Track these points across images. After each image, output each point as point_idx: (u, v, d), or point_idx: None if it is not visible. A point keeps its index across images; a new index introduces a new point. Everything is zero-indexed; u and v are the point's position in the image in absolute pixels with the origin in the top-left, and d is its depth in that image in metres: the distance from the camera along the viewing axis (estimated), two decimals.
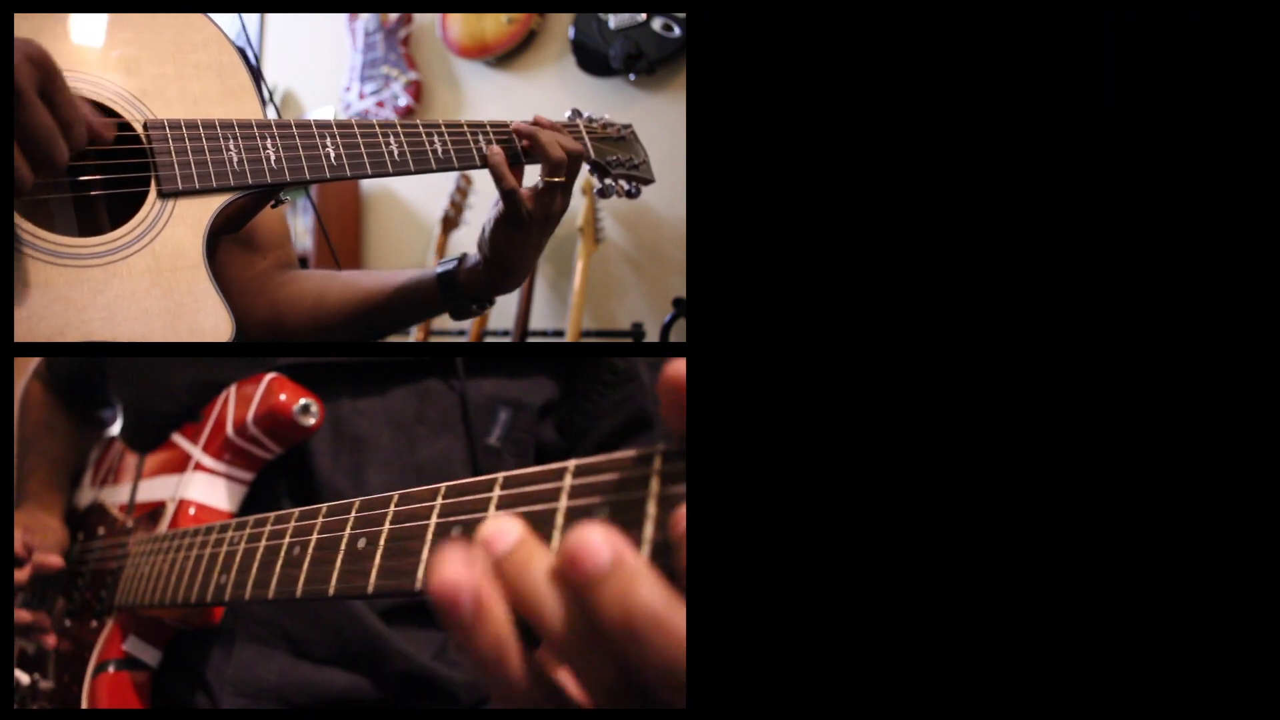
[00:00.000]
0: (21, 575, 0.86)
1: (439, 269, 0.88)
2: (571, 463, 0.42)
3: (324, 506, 0.58)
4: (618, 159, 0.95)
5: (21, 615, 0.87)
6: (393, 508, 0.52)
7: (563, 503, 0.41)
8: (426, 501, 0.50)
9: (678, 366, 0.37)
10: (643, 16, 2.15)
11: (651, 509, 0.37)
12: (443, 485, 0.49)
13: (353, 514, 0.55)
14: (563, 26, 2.33)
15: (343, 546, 0.54)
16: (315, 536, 0.57)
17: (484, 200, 2.32)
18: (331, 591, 0.54)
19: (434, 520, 0.48)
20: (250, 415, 0.79)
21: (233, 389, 0.83)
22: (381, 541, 0.52)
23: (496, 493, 0.45)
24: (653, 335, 2.11)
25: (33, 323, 0.63)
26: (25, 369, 1.11)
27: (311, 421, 0.79)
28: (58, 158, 0.60)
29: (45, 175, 0.61)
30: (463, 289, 0.87)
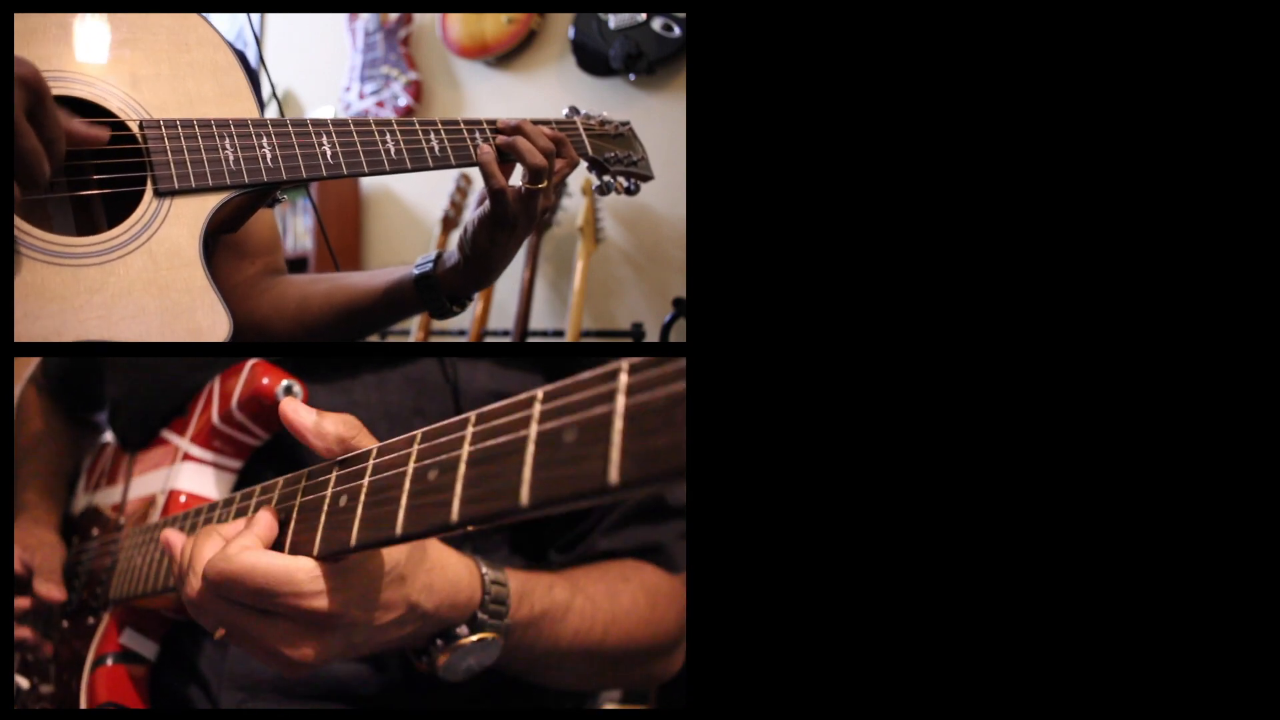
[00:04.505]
0: (23, 603, 0.86)
1: (415, 270, 0.88)
2: (539, 390, 0.43)
3: (305, 471, 0.59)
4: (615, 155, 0.95)
5: (21, 632, 0.87)
6: (371, 461, 0.53)
7: (533, 430, 0.42)
8: (403, 450, 0.51)
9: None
10: (643, 16, 2.15)
11: (619, 424, 0.37)
12: (418, 432, 0.50)
13: (334, 473, 0.56)
14: (563, 26, 2.33)
15: (325, 507, 0.55)
16: (299, 501, 0.58)
17: None
18: (316, 553, 0.54)
19: (411, 466, 0.49)
20: (234, 400, 0.79)
21: (216, 380, 0.83)
22: (362, 496, 0.52)
23: (470, 430, 0.46)
24: (653, 335, 2.11)
25: (29, 322, 0.63)
26: (21, 375, 1.10)
27: None
28: (40, 177, 0.63)
29: (29, 192, 0.64)
30: (440, 288, 0.87)
